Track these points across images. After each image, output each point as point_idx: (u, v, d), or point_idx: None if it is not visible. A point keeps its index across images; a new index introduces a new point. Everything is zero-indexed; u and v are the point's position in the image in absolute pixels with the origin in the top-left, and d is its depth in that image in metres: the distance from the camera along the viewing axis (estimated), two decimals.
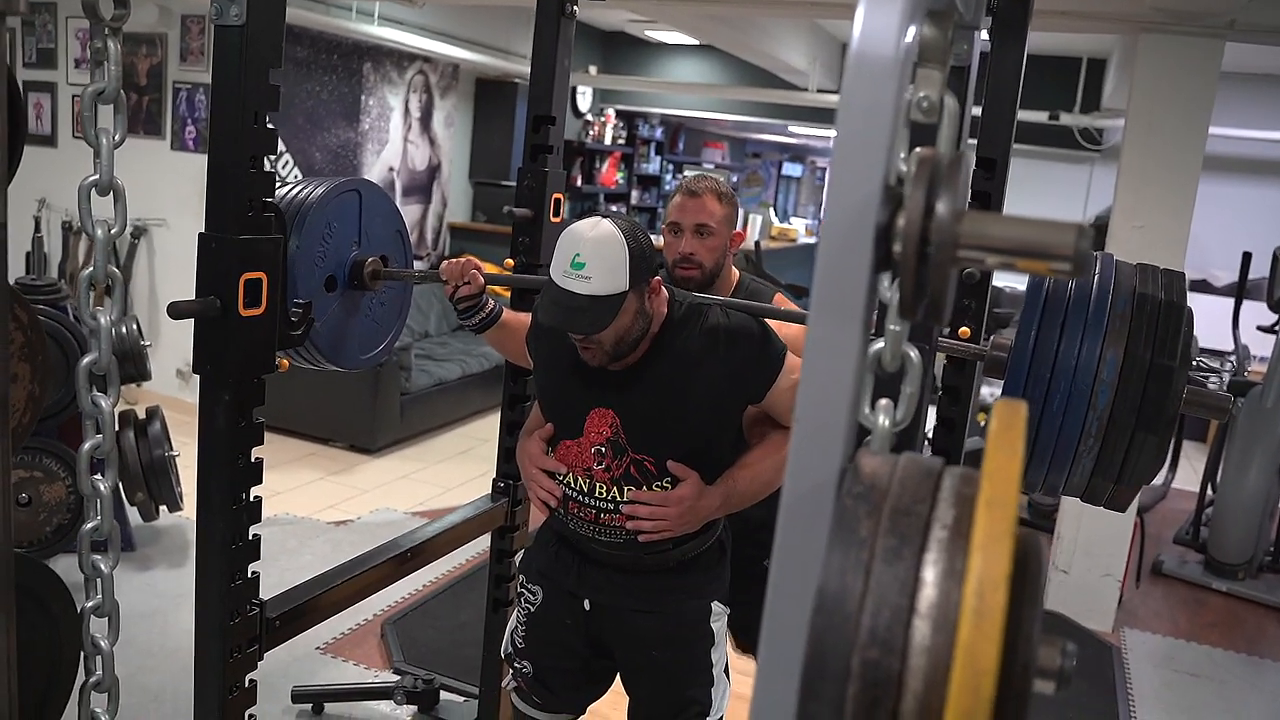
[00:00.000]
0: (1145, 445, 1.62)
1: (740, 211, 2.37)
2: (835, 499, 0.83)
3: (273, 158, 1.73)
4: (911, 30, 0.85)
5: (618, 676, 2.15)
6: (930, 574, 0.74)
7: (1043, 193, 7.71)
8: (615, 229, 1.77)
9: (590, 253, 1.73)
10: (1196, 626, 4.30)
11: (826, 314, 0.84)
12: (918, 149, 0.85)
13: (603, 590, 2.01)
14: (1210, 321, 6.69)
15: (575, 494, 1.92)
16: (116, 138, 1.51)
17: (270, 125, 1.72)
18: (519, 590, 2.14)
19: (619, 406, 1.87)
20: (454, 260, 2.15)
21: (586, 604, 2.03)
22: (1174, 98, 3.79)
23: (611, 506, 1.89)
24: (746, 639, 2.48)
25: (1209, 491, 5.00)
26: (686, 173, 4.88)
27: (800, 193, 14.37)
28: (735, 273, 2.35)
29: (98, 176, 1.50)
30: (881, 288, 0.87)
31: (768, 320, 2.03)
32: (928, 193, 0.79)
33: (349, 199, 2.16)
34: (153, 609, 3.49)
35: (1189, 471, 6.07)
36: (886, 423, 0.98)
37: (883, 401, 0.98)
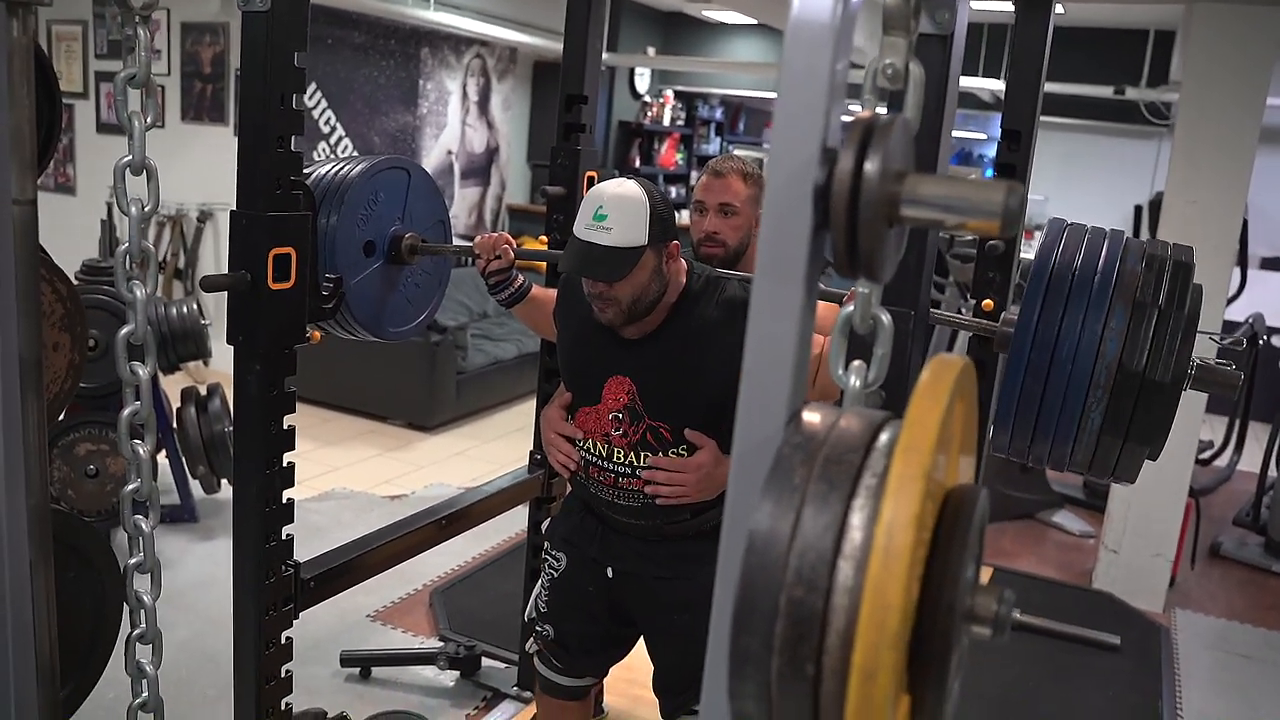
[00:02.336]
0: (1153, 400, 1.61)
1: (764, 192, 2.38)
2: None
3: (299, 136, 1.80)
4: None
5: (639, 641, 2.21)
6: (857, 519, 0.78)
7: (1109, 169, 7.56)
8: (639, 187, 1.84)
9: (612, 206, 1.80)
10: (1253, 608, 4.22)
11: (770, 274, 0.88)
12: (865, 114, 0.88)
13: (625, 559, 2.06)
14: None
15: (595, 459, 1.98)
16: (148, 120, 1.59)
17: (297, 107, 1.79)
18: (544, 556, 2.19)
19: (636, 374, 1.92)
20: (488, 235, 2.22)
21: (610, 572, 2.08)
22: (1229, 69, 3.70)
23: (629, 471, 1.94)
24: None
25: (1271, 472, 4.89)
26: (745, 152, 4.89)
27: None
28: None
29: (130, 157, 1.59)
30: (820, 249, 0.90)
31: None
32: (859, 152, 0.82)
33: (398, 175, 2.24)
34: (213, 577, 3.63)
35: (1257, 454, 5.92)
36: (858, 383, 1.02)
37: (855, 363, 1.01)
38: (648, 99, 8.86)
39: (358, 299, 2.15)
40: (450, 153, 6.78)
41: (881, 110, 0.93)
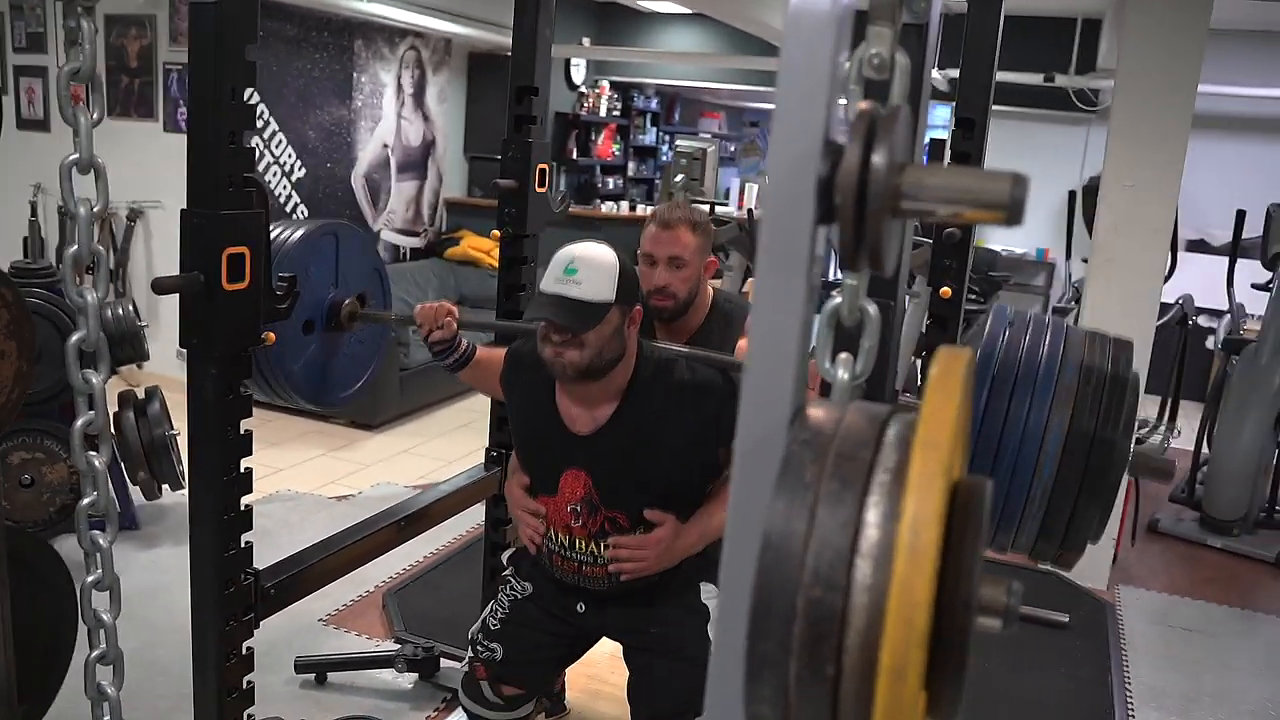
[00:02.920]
0: (1088, 512, 1.66)
1: (711, 237, 2.38)
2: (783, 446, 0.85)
3: (252, 133, 1.75)
4: None
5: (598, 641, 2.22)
6: (872, 515, 0.76)
7: (1038, 155, 7.68)
8: (608, 248, 1.90)
9: (583, 264, 1.84)
10: (1191, 582, 4.34)
11: (772, 267, 0.86)
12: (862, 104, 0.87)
13: (598, 597, 2.09)
14: (1207, 280, 6.70)
15: (558, 548, 2.03)
16: (95, 116, 1.53)
17: (248, 101, 1.74)
18: (506, 578, 2.17)
19: (590, 468, 1.97)
20: (428, 305, 2.22)
21: (580, 607, 2.10)
22: (1163, 55, 3.79)
23: (591, 560, 2.00)
24: None
25: (1204, 449, 5.03)
26: (683, 142, 4.88)
27: None
28: (710, 291, 2.37)
29: (77, 155, 1.53)
30: (819, 242, 0.90)
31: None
32: (865, 145, 0.81)
33: (326, 241, 2.19)
34: (157, 585, 3.54)
35: (1187, 431, 6.09)
36: (845, 376, 1.01)
37: (842, 355, 1.01)
38: (584, 90, 8.80)
39: (303, 378, 2.15)
40: (386, 146, 6.68)
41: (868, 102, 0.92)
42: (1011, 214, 0.82)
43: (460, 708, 2.22)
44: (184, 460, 3.71)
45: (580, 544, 2.00)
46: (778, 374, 0.87)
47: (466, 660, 2.17)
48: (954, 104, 2.26)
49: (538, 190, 2.59)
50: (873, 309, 1.01)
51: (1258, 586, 4.42)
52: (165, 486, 3.75)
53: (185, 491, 3.73)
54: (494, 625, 2.16)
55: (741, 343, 2.30)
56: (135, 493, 3.81)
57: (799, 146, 0.83)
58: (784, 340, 0.87)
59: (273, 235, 2.13)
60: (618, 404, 1.94)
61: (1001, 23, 2.16)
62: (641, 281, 2.26)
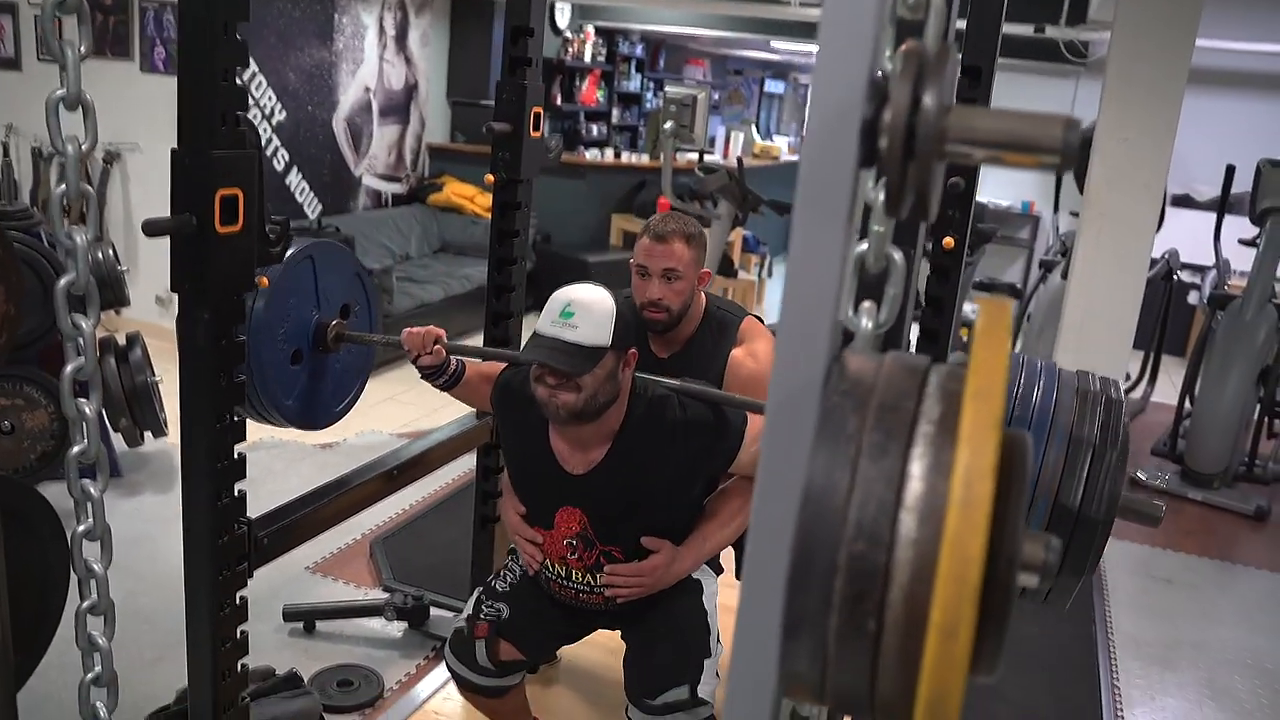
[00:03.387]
0: (1066, 585, 1.66)
1: (706, 250, 2.34)
2: (821, 397, 0.83)
3: (246, 70, 1.69)
4: None
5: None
6: (917, 468, 0.74)
7: (1027, 106, 7.63)
8: (606, 292, 1.90)
9: (580, 307, 1.85)
10: (1172, 535, 4.39)
11: (810, 212, 0.83)
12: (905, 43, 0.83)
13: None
14: (1192, 236, 6.71)
15: (555, 577, 2.07)
16: (81, 50, 1.46)
17: (240, 37, 1.68)
18: (513, 552, 2.20)
19: (586, 507, 1.99)
20: (415, 331, 2.18)
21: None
22: (1161, 8, 3.75)
23: (588, 589, 2.05)
24: (739, 558, 2.52)
25: (1187, 404, 5.06)
26: (671, 88, 4.79)
27: (783, 110, 14.20)
28: (703, 300, 2.34)
29: (65, 91, 1.46)
30: (864, 188, 0.87)
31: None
32: (914, 86, 0.78)
33: (303, 268, 2.13)
34: (141, 534, 3.50)
35: (1165, 384, 6.13)
36: (869, 325, 0.99)
37: (866, 304, 0.98)
38: (568, 35, 8.66)
39: (295, 409, 2.15)
40: (368, 89, 6.55)
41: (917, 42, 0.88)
42: (1065, 158, 0.79)
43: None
44: (165, 408, 3.68)
45: (577, 575, 2.05)
46: (814, 324, 0.84)
47: (464, 619, 2.14)
48: (960, 53, 2.22)
49: (532, 135, 2.54)
50: (898, 256, 0.99)
51: (1236, 539, 4.48)
52: (148, 433, 3.71)
53: (167, 439, 3.71)
54: (502, 588, 2.16)
55: (736, 351, 2.27)
56: (117, 440, 3.76)
57: (843, 86, 0.80)
58: (821, 289, 0.84)
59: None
60: (610, 444, 1.96)
61: None
62: (635, 293, 2.25)
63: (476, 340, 3.25)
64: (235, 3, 1.64)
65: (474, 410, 2.72)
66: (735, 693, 0.88)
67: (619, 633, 2.16)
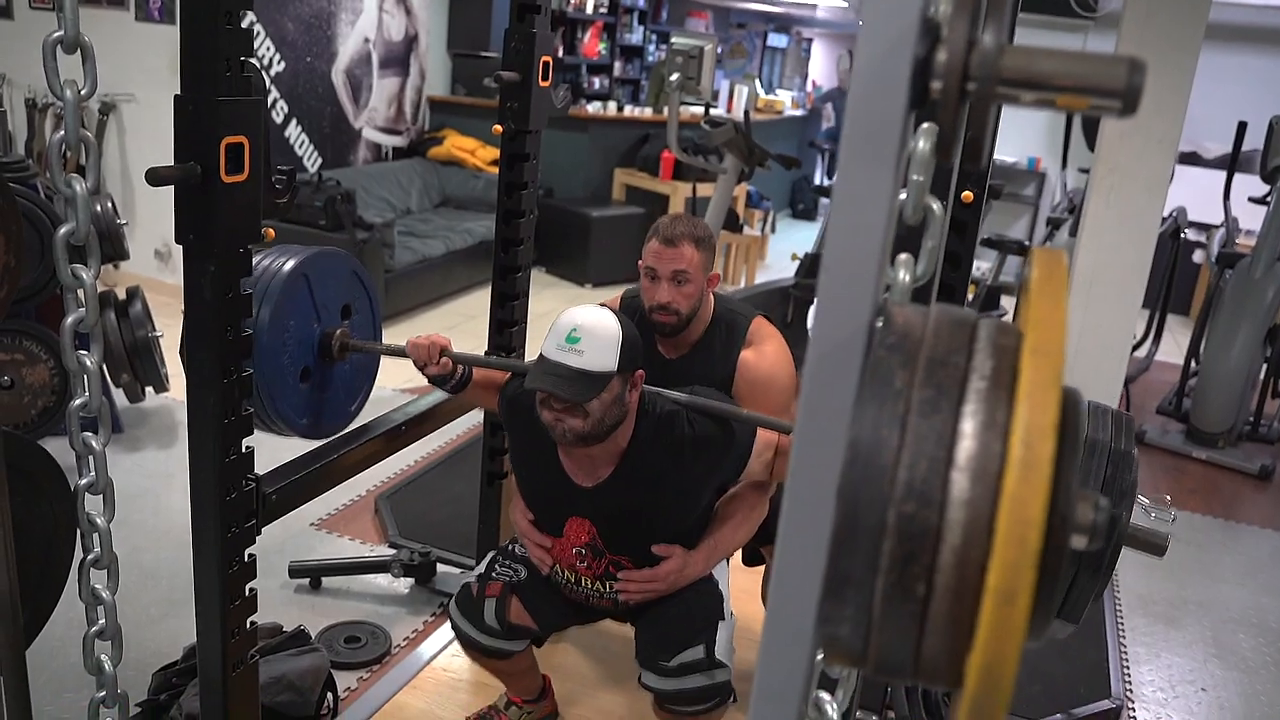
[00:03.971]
0: (1086, 587, 1.63)
1: (714, 252, 2.29)
2: (866, 351, 0.79)
3: (249, 14, 1.63)
4: None
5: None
6: (969, 426, 0.71)
7: None
8: (613, 317, 1.87)
9: (586, 332, 1.83)
10: (1176, 493, 4.38)
11: (857, 155, 0.79)
12: None
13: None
14: (1200, 194, 6.65)
15: (565, 582, 2.07)
16: None
17: None
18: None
19: (595, 518, 1.99)
20: (420, 342, 2.15)
21: None
22: None
23: (598, 595, 2.06)
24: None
25: (1193, 363, 5.04)
26: (676, 39, 4.70)
27: (786, 64, 14.03)
28: (712, 303, 2.28)
29: (62, 32, 1.41)
30: (909, 131, 0.83)
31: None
32: (970, 24, 0.74)
33: (298, 285, 2.08)
34: (144, 489, 3.49)
35: (1170, 344, 6.11)
36: (907, 277, 0.95)
37: (902, 256, 0.95)
38: None
39: (313, 422, 2.17)
40: (367, 40, 6.44)
41: None
42: (1128, 101, 0.75)
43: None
44: (166, 363, 3.64)
45: (587, 582, 2.06)
46: (859, 272, 0.81)
47: (476, 577, 2.13)
48: None
49: (541, 84, 2.48)
50: (937, 206, 0.95)
51: (1241, 498, 4.47)
52: (149, 389, 3.68)
53: (169, 394, 3.68)
54: (520, 552, 2.15)
55: (746, 353, 2.24)
56: (119, 395, 3.73)
57: (894, 22, 0.75)
58: (868, 235, 0.80)
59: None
60: (618, 462, 1.96)
61: None
62: (644, 296, 2.21)
63: (479, 294, 3.20)
64: None
65: None
66: (769, 654, 0.85)
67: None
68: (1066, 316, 0.71)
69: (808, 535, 0.81)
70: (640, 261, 2.21)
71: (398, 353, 2.21)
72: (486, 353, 2.66)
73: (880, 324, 0.80)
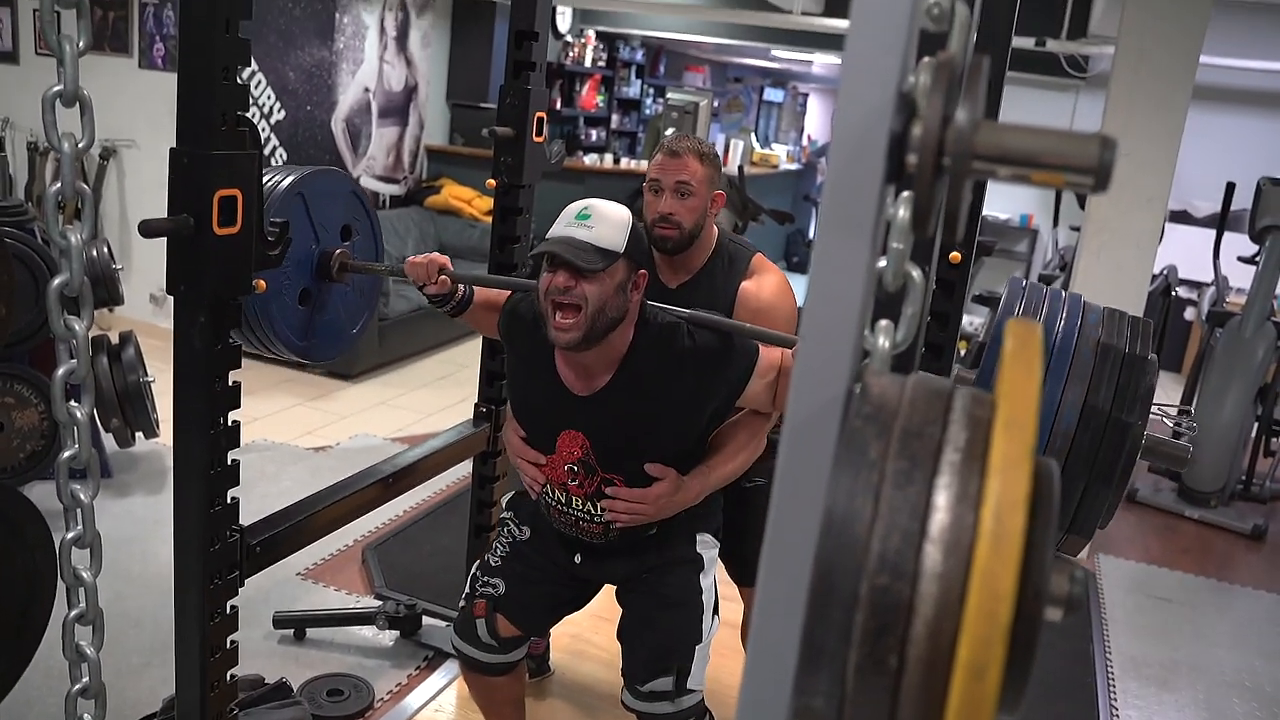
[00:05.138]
0: (1098, 497, 1.61)
1: (720, 171, 2.30)
2: (842, 420, 0.80)
3: (246, 69, 1.66)
4: None
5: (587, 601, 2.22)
6: (942, 498, 0.72)
7: (1027, 119, 7.64)
8: (623, 207, 1.87)
9: (597, 211, 1.82)
10: (1169, 552, 4.37)
11: (834, 227, 0.81)
12: (929, 56, 0.81)
13: (594, 552, 2.07)
14: (1190, 252, 6.71)
15: (554, 503, 2.01)
16: (80, 45, 1.43)
17: (243, 35, 1.64)
18: (504, 521, 2.13)
19: (588, 431, 1.94)
20: (417, 260, 2.13)
21: (577, 558, 2.08)
22: (1166, 25, 3.73)
23: (588, 517, 1.99)
24: (730, 563, 2.48)
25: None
26: (672, 95, 4.77)
27: (781, 119, 14.19)
28: (715, 232, 2.29)
29: (62, 86, 1.43)
30: (886, 203, 0.84)
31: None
32: (946, 100, 0.75)
33: (294, 203, 2.08)
34: (130, 535, 3.46)
35: (1162, 401, 6.11)
36: (886, 344, 0.96)
37: (883, 322, 0.95)
38: (569, 39, 8.64)
39: (314, 344, 2.15)
40: (368, 90, 6.51)
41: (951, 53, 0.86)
42: (1100, 178, 0.76)
43: (448, 661, 2.18)
44: (157, 408, 3.64)
45: (577, 502, 1.99)
46: (835, 343, 0.82)
47: (463, 598, 2.13)
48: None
49: (535, 140, 2.51)
50: (917, 274, 0.96)
51: (1233, 558, 4.46)
52: (139, 434, 3.67)
53: (159, 439, 3.67)
54: (495, 563, 2.12)
55: (747, 283, 2.23)
56: (108, 440, 3.72)
57: (870, 99, 0.77)
58: (844, 307, 0.81)
59: None
60: (616, 369, 1.91)
61: None
62: (646, 211, 2.21)
63: (472, 344, 3.21)
64: (237, 0, 1.61)
65: (470, 418, 2.69)
66: None
67: (614, 627, 2.13)
68: (1039, 388, 0.72)
69: (784, 605, 0.81)
70: (645, 180, 2.22)
71: (397, 273, 2.19)
72: (476, 405, 2.65)
73: (858, 392, 0.81)
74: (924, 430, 0.75)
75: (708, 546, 2.07)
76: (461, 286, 2.16)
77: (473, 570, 2.18)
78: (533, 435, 2.02)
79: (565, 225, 1.82)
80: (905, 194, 0.85)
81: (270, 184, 2.03)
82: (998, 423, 0.70)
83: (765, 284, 2.24)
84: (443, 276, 2.11)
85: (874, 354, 0.93)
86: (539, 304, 1.85)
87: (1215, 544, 4.55)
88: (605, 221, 1.81)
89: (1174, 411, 4.95)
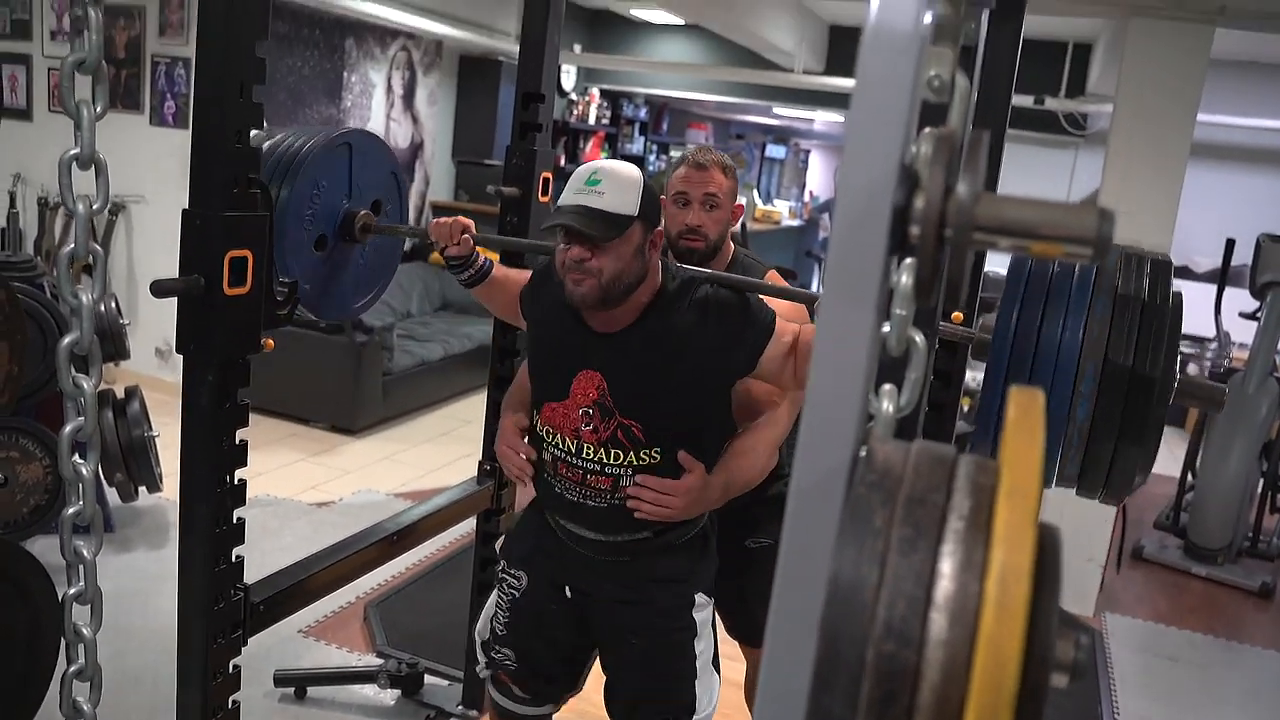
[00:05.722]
0: (1128, 457, 1.56)
1: (739, 184, 2.35)
2: (847, 487, 0.81)
3: (258, 132, 1.69)
4: (929, 5, 0.83)
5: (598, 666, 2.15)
6: (947, 566, 0.72)
7: (1029, 177, 7.72)
8: (633, 167, 1.82)
9: (606, 174, 1.77)
10: (1176, 611, 4.33)
11: (838, 298, 0.82)
12: (932, 128, 0.83)
13: (583, 577, 1.99)
14: (1191, 308, 6.72)
15: (563, 454, 1.90)
16: (98, 109, 1.47)
17: (256, 99, 1.68)
18: (500, 576, 2.10)
19: (606, 369, 1.85)
20: (442, 221, 2.11)
21: (567, 591, 2.01)
22: (1163, 83, 3.79)
23: (598, 468, 1.87)
24: (734, 623, 2.46)
25: (1189, 477, 5.03)
26: (675, 152, 4.82)
27: (784, 175, 14.34)
28: (731, 247, 2.33)
29: (78, 150, 1.46)
30: (890, 272, 0.85)
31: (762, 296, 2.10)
32: (947, 173, 0.77)
33: (339, 153, 2.13)
34: (132, 590, 3.45)
35: (1166, 456, 6.09)
36: (890, 408, 0.97)
37: (886, 387, 0.96)
38: (573, 97, 8.76)
39: (314, 293, 2.08)
40: None
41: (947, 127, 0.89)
42: (1099, 249, 0.78)
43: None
44: (161, 463, 3.64)
45: (588, 450, 1.87)
46: (840, 411, 0.83)
47: (481, 666, 2.12)
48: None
49: (540, 199, 2.54)
50: (920, 339, 0.97)
51: (1242, 616, 4.42)
52: (142, 489, 3.67)
53: (162, 494, 3.67)
54: (500, 630, 2.08)
55: (771, 273, 2.27)
56: (111, 494, 3.72)
57: (873, 172, 0.79)
58: (849, 376, 0.82)
59: (282, 143, 2.04)
60: (640, 314, 1.86)
61: (1020, 43, 2.13)
62: (669, 223, 2.21)
63: (475, 399, 3.22)
64: (252, 64, 1.65)
65: (475, 475, 2.69)
66: None
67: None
68: (1042, 455, 0.73)
69: (790, 671, 0.81)
70: (665, 195, 2.21)
71: (420, 234, 2.19)
72: (480, 463, 2.65)
73: (863, 458, 0.82)
74: (928, 498, 0.76)
75: (701, 609, 2.01)
76: (481, 257, 2.13)
77: (479, 630, 2.14)
78: (546, 383, 1.94)
79: (575, 192, 1.77)
80: (908, 261, 0.86)
81: (325, 130, 2.10)
82: (1001, 491, 0.71)
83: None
84: (465, 236, 2.09)
85: (878, 418, 0.94)
86: (557, 267, 1.83)
87: (1223, 602, 4.52)
88: (616, 184, 1.76)
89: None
